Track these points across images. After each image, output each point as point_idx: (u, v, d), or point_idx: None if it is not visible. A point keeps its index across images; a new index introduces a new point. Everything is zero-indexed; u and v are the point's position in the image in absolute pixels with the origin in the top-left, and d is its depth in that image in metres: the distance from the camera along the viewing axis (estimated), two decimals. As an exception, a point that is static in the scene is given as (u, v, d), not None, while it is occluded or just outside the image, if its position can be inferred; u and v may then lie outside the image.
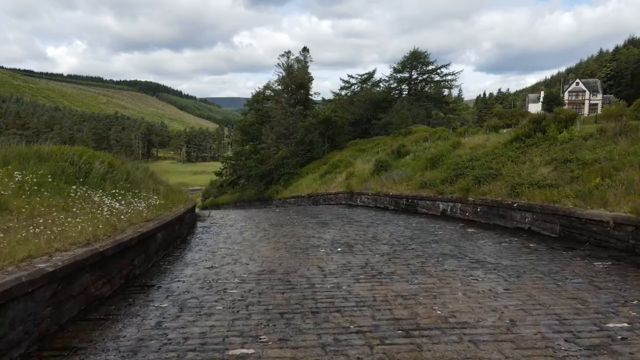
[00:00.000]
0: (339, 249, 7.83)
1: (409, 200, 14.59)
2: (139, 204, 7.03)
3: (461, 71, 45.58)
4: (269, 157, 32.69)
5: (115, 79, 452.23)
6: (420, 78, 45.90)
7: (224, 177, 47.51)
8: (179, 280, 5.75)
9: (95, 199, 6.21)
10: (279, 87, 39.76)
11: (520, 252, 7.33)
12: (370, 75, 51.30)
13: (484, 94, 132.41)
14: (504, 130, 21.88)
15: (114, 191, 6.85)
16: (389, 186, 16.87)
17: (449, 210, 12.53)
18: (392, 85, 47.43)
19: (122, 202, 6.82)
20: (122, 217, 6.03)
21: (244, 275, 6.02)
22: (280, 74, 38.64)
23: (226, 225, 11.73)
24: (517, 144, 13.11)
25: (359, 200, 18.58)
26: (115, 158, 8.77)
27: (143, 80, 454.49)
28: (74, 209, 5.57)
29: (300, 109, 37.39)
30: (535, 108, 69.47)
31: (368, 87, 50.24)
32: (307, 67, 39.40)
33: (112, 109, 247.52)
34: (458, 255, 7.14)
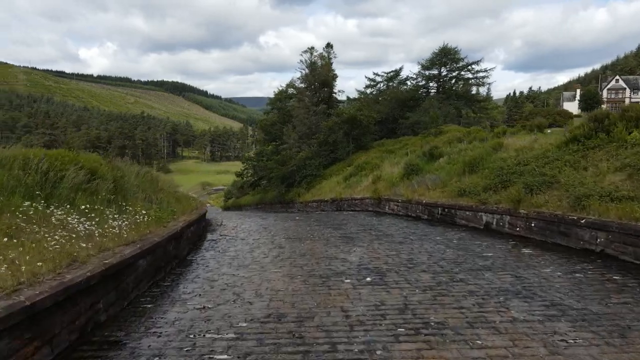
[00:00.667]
0: (368, 279, 6.26)
1: (446, 210, 12.88)
2: (117, 222, 5.60)
3: (493, 68, 43.18)
4: (291, 158, 31.20)
5: (143, 79, 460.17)
6: (450, 75, 43.75)
7: (245, 178, 46.27)
8: (154, 333, 4.28)
9: (53, 219, 4.79)
10: (302, 85, 38.21)
11: (607, 290, 5.61)
12: (397, 73, 49.37)
13: (514, 92, 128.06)
14: (549, 130, 19.87)
15: (84, 206, 5.43)
16: (421, 192, 15.18)
17: (494, 223, 10.78)
18: (420, 83, 45.38)
19: (96, 220, 5.40)
20: (84, 244, 4.60)
21: (242, 324, 4.51)
22: (303, 71, 37.08)
23: (237, 239, 10.30)
24: (574, 146, 11.24)
25: (387, 207, 16.92)
26: (101, 162, 7.38)
27: (170, 80, 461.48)
28: (13, 235, 4.15)
29: (323, 108, 35.75)
30: (570, 107, 66.32)
31: (394, 85, 48.35)
32: (331, 63, 37.70)
33: (140, 109, 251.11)
34: (524, 293, 5.48)
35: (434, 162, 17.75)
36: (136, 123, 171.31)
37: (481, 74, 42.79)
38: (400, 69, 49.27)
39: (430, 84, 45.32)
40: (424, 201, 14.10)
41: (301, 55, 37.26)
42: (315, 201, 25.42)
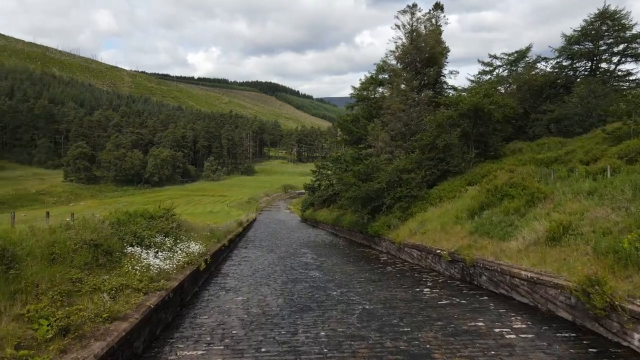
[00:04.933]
0: None
1: None
2: None
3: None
4: (378, 170, 21.01)
5: (240, 80, 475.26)
6: (611, 50, 30.62)
7: (317, 193, 36.29)
8: None
9: None
10: (397, 64, 27.16)
11: None
12: (523, 54, 36.79)
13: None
14: None
15: None
16: None
17: None
18: (564, 63, 32.59)
19: None
20: None
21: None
22: (399, 41, 25.85)
23: None
24: None
25: (636, 337, 6.12)
26: None
27: (264, 81, 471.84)
28: None
29: (428, 95, 24.96)
30: None
31: (520, 69, 35.91)
32: (441, 32, 26.47)
33: (232, 108, 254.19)
34: None
35: None
36: (223, 122, 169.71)
37: (657, 47, 29.05)
38: (528, 48, 36.70)
39: (579, 64, 32.27)
40: None
41: (396, 17, 25.54)
42: (417, 248, 15.00)
